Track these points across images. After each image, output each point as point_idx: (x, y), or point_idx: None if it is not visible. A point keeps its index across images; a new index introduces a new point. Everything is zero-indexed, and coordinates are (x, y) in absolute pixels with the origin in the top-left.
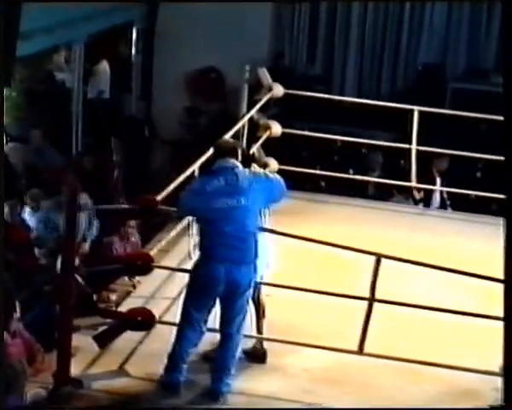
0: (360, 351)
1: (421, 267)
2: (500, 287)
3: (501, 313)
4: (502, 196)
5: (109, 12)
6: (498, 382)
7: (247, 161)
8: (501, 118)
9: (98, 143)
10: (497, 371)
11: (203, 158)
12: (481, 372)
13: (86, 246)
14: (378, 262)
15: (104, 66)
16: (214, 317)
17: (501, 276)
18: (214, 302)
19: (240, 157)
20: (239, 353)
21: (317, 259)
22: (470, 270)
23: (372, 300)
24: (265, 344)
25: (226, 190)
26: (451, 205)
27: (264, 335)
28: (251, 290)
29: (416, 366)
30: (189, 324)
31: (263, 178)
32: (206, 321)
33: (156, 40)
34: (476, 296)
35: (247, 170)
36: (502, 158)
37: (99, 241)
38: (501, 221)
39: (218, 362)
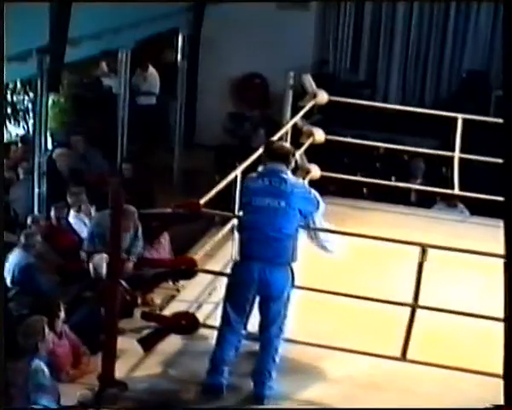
0: (403, 357)
1: (464, 274)
2: None
3: None
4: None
5: (155, 19)
6: None
7: (296, 169)
8: None
9: (145, 149)
10: None
11: (247, 162)
12: None
13: (130, 264)
14: (424, 252)
15: (153, 72)
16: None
17: None
18: (252, 305)
19: (291, 164)
20: (279, 357)
21: (359, 261)
22: None
23: (415, 306)
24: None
25: (269, 190)
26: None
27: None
28: (289, 294)
29: (459, 374)
30: (228, 326)
31: (306, 188)
32: (245, 324)
33: (201, 47)
34: None
35: (292, 177)
36: None
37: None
38: None
39: (259, 366)
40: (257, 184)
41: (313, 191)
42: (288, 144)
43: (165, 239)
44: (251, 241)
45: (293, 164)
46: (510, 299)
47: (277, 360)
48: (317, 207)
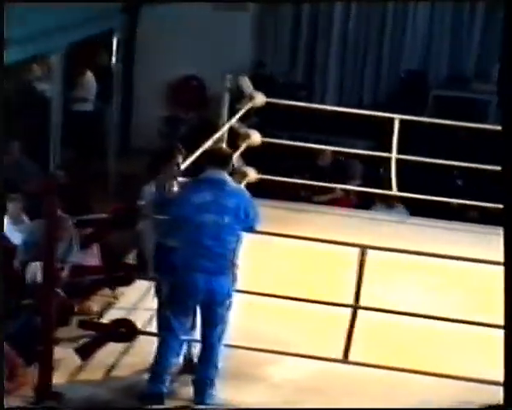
0: (345, 359)
1: (405, 273)
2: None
3: (484, 319)
4: (481, 204)
5: (89, 21)
6: (488, 390)
7: (233, 172)
8: (482, 125)
9: (80, 155)
10: (485, 379)
11: (184, 166)
12: (467, 380)
13: (66, 271)
14: (363, 254)
15: (89, 77)
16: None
17: (483, 283)
18: (194, 312)
19: (230, 168)
20: (221, 363)
21: (300, 264)
22: (452, 277)
23: (356, 307)
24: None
25: (213, 205)
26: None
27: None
28: (231, 301)
29: (402, 375)
30: (170, 333)
31: (250, 202)
32: (186, 331)
33: (137, 49)
34: (462, 302)
35: (235, 186)
36: (481, 166)
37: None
38: (481, 229)
39: (201, 373)
40: (200, 199)
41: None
42: (226, 148)
43: (95, 246)
44: (195, 256)
45: (231, 168)
46: (510, 299)
47: (219, 366)
48: (257, 223)
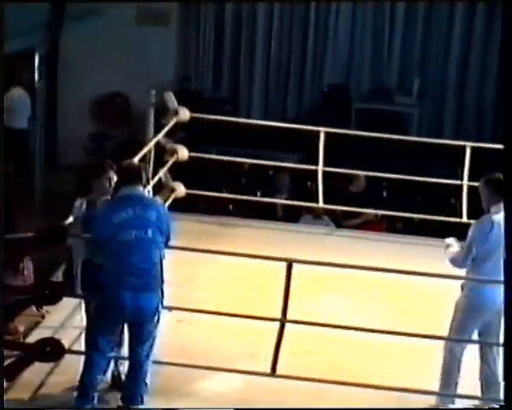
0: (273, 373)
1: (332, 285)
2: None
3: (410, 329)
4: (407, 215)
5: (9, 37)
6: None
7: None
8: (404, 137)
9: (5, 172)
10: (412, 389)
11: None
12: (394, 390)
13: None
14: (290, 268)
15: (13, 93)
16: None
17: (409, 293)
18: (122, 329)
19: (144, 180)
20: (149, 379)
21: (230, 278)
22: (378, 288)
23: (283, 321)
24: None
25: (134, 221)
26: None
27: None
28: (159, 317)
29: (329, 386)
30: (97, 351)
31: (168, 215)
32: (113, 348)
33: (60, 65)
34: (389, 313)
35: (152, 199)
36: (407, 177)
37: None
38: (407, 239)
39: (129, 390)
40: (121, 217)
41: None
42: (136, 161)
43: (26, 264)
44: (120, 273)
45: (144, 181)
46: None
47: (148, 382)
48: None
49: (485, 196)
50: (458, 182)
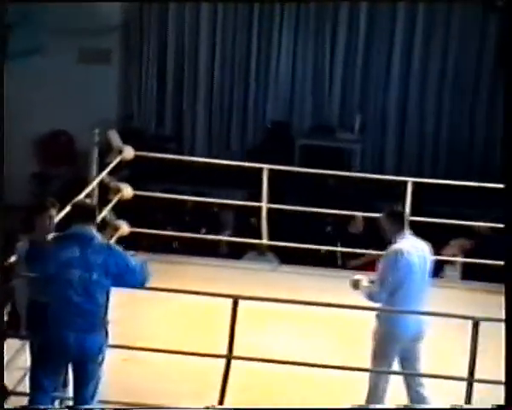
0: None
1: (277, 320)
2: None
3: (354, 363)
4: (350, 250)
5: None
6: None
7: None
8: (347, 173)
9: None
10: None
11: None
12: None
13: None
14: (235, 305)
15: None
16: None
17: (352, 328)
18: (66, 369)
19: (96, 222)
20: None
21: (176, 317)
22: (322, 323)
23: (229, 357)
24: None
25: (79, 261)
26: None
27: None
28: (103, 357)
29: None
30: (41, 391)
31: (122, 257)
32: (56, 388)
33: (3, 104)
34: (332, 347)
35: (103, 241)
36: (351, 213)
37: None
38: (350, 275)
39: None
40: (67, 255)
41: (136, 260)
42: (90, 201)
43: None
44: (64, 313)
45: (96, 221)
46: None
47: None
48: (145, 276)
49: (389, 227)
50: None
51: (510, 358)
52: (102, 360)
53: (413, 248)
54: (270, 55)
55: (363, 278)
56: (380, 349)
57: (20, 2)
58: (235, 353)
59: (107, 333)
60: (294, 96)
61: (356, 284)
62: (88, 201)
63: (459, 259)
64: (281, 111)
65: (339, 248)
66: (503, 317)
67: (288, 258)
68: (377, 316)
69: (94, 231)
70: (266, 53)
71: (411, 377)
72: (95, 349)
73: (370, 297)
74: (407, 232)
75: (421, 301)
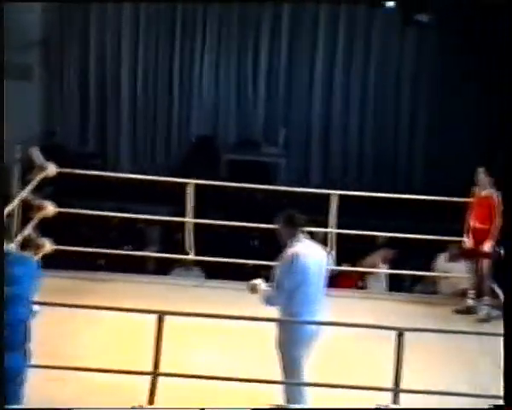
0: None
1: (203, 335)
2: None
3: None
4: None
5: None
6: None
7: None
8: (272, 187)
9: None
10: None
11: None
12: None
13: None
14: (160, 320)
15: None
16: None
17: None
18: None
19: (13, 237)
20: None
21: (102, 334)
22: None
23: (156, 374)
24: None
25: None
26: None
27: None
28: (24, 376)
29: None
30: None
31: (38, 272)
32: None
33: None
34: (259, 361)
35: (22, 255)
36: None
37: None
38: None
39: None
40: None
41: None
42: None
43: None
44: None
45: (13, 237)
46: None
47: None
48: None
49: (284, 232)
50: (325, 229)
51: (509, 358)
52: (23, 380)
53: (309, 252)
54: (193, 70)
55: (261, 282)
56: (293, 356)
57: (19, 2)
58: (163, 368)
59: (27, 352)
60: (219, 111)
61: (254, 288)
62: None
63: (380, 270)
64: (205, 125)
65: (264, 262)
66: (428, 326)
67: (214, 273)
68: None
69: (10, 246)
70: (189, 68)
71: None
72: (15, 368)
73: (269, 301)
74: (302, 236)
75: (319, 303)
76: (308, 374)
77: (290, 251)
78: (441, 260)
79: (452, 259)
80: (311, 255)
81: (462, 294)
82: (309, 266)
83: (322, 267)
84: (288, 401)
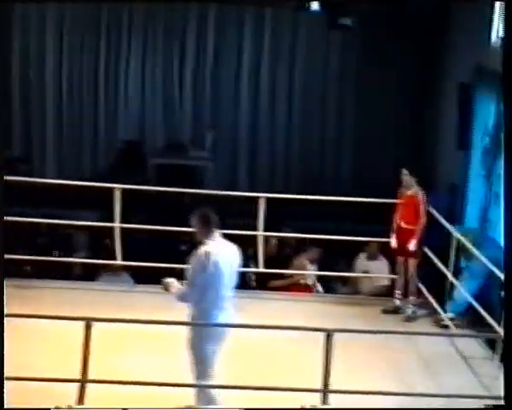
0: None
1: (133, 341)
2: None
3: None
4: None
5: None
6: None
7: None
8: (199, 191)
9: None
10: None
11: None
12: None
13: None
14: (88, 327)
15: None
16: None
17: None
18: None
19: None
20: None
21: (29, 342)
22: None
23: (83, 381)
24: None
25: None
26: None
27: None
28: None
29: None
30: None
31: None
32: None
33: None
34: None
35: None
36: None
37: None
38: None
39: None
40: None
41: None
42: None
43: None
44: None
45: None
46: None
47: None
48: None
49: (199, 229)
50: (254, 233)
51: (510, 357)
52: None
53: (221, 250)
54: (118, 74)
55: (174, 281)
56: (203, 351)
57: (20, 2)
58: (93, 375)
59: None
60: (145, 115)
61: (167, 287)
62: None
63: (308, 272)
64: (132, 130)
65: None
66: (358, 327)
67: (143, 278)
68: (191, 318)
69: None
70: (115, 71)
71: (205, 378)
72: None
73: (182, 298)
74: (216, 234)
75: (229, 299)
76: (219, 371)
77: (203, 249)
78: (360, 260)
79: (371, 257)
80: (223, 253)
81: (386, 293)
82: (221, 264)
83: (233, 265)
84: (198, 402)
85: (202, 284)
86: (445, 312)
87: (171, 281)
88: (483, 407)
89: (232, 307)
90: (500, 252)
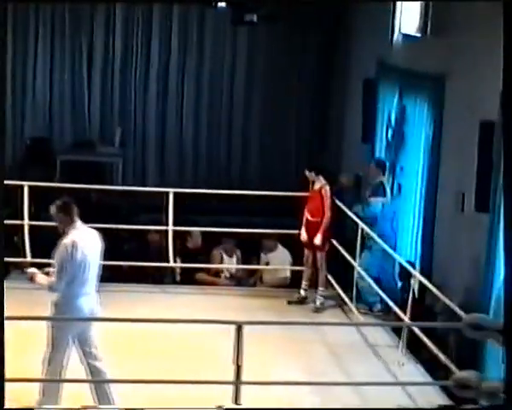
0: None
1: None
2: None
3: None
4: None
5: None
6: None
7: None
8: (108, 187)
9: None
10: None
11: None
12: None
13: None
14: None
15: None
16: None
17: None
18: None
19: None
20: None
21: None
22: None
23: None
24: None
25: None
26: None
27: None
28: None
29: None
30: None
31: None
32: None
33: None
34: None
35: None
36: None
37: None
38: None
39: None
40: None
41: None
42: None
43: None
44: None
45: None
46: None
47: None
48: None
49: (61, 218)
50: (164, 227)
51: (510, 357)
52: None
53: (85, 237)
54: (26, 70)
55: (35, 271)
56: (57, 336)
57: (19, 2)
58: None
59: None
60: (53, 112)
61: (32, 277)
62: None
63: (223, 265)
64: (40, 127)
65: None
66: (267, 319)
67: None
68: (54, 304)
69: None
70: (22, 68)
71: (92, 362)
72: None
73: (50, 288)
74: (78, 223)
75: (95, 285)
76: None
77: (69, 239)
78: (263, 253)
79: (268, 249)
80: (87, 242)
81: (287, 283)
82: (86, 252)
83: (97, 252)
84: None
85: (69, 273)
86: (352, 302)
87: (36, 271)
88: (436, 407)
89: (96, 293)
90: (393, 237)
